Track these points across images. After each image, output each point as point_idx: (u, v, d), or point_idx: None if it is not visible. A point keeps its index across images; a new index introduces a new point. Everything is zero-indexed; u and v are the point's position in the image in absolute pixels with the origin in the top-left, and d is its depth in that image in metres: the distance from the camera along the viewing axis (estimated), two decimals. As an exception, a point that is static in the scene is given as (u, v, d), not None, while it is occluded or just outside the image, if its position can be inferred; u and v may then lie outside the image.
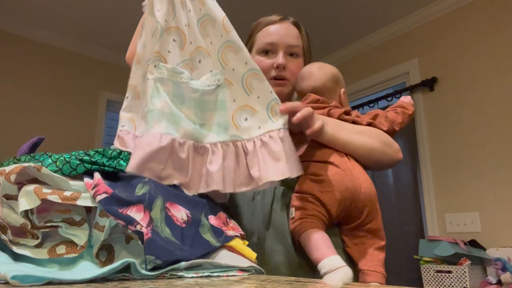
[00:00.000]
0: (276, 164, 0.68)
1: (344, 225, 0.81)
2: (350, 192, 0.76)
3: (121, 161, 0.65)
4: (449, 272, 2.05)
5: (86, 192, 0.53)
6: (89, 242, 0.52)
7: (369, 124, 0.86)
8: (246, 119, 0.73)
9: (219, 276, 0.53)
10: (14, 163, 0.59)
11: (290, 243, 0.79)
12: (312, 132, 0.74)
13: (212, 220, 0.63)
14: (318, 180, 0.77)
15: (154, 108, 0.69)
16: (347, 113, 0.87)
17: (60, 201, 0.49)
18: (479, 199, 2.30)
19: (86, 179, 0.56)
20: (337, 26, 2.93)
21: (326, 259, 0.69)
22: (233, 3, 2.67)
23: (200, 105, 0.72)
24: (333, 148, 0.81)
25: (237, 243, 0.61)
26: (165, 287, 0.39)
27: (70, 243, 0.50)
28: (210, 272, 0.53)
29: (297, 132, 0.76)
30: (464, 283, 1.99)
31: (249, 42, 1.00)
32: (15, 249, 0.47)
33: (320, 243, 0.72)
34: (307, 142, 0.83)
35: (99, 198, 0.52)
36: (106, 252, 0.52)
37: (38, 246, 0.49)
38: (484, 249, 2.15)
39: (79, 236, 0.51)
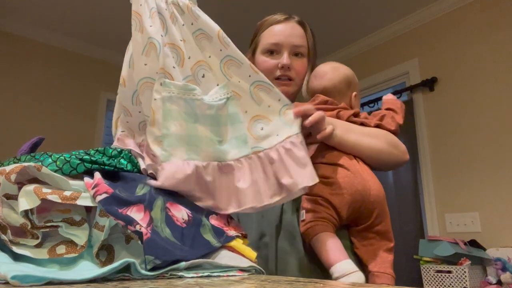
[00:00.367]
0: (304, 169, 0.67)
1: (353, 226, 0.81)
2: (360, 194, 0.76)
3: (122, 160, 0.65)
4: (449, 272, 2.05)
5: (86, 192, 0.53)
6: (89, 242, 0.52)
7: (377, 126, 0.87)
8: (262, 129, 0.72)
9: (219, 276, 0.53)
10: (15, 162, 0.59)
11: (300, 244, 0.79)
12: (323, 136, 0.75)
13: (213, 220, 0.63)
14: (328, 183, 0.78)
15: (168, 132, 0.65)
16: (355, 115, 0.88)
17: (60, 201, 0.49)
18: (479, 199, 2.30)
19: (86, 179, 0.56)
20: (337, 26, 2.93)
21: (338, 263, 0.70)
22: (233, 3, 2.67)
23: (216, 121, 0.69)
24: (342, 150, 0.82)
25: (237, 243, 0.61)
26: (165, 287, 0.39)
27: (70, 243, 0.50)
28: (210, 272, 0.53)
29: (305, 135, 0.76)
30: (464, 283, 1.99)
31: (253, 41, 0.99)
32: (15, 249, 0.47)
33: (332, 247, 0.72)
34: (315, 144, 0.84)
35: (99, 198, 0.52)
36: (106, 252, 0.52)
37: (38, 246, 0.49)
38: (484, 249, 2.15)
39: (79, 236, 0.51)
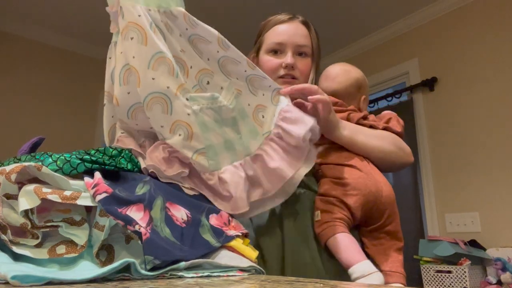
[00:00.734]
0: (304, 122, 0.75)
1: (363, 227, 0.82)
2: (373, 195, 0.78)
3: (122, 160, 0.65)
4: (449, 272, 2.05)
5: (86, 191, 0.53)
6: (89, 242, 0.52)
7: (385, 128, 0.89)
8: (263, 116, 0.77)
9: (219, 276, 0.53)
10: (15, 162, 0.59)
11: (314, 245, 0.79)
12: (318, 99, 0.78)
13: (213, 220, 0.63)
14: (342, 183, 0.79)
15: (211, 143, 0.70)
16: (365, 117, 0.90)
17: (60, 200, 0.49)
18: (479, 199, 2.30)
19: (86, 179, 0.56)
20: (337, 26, 2.93)
21: (357, 264, 0.71)
22: (234, 3, 2.67)
23: (234, 121, 0.74)
24: (352, 151, 0.83)
25: (237, 243, 0.61)
26: (165, 287, 0.39)
27: (70, 243, 0.50)
28: (210, 272, 0.53)
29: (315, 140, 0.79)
30: (464, 283, 1.99)
31: (257, 41, 1.00)
32: (15, 249, 0.47)
33: (350, 248, 0.73)
34: (325, 145, 0.85)
35: (99, 197, 0.52)
36: (106, 252, 0.52)
37: (38, 246, 0.49)
38: (484, 249, 2.15)
39: (79, 235, 0.51)
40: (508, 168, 2.20)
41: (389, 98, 2.88)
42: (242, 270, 0.56)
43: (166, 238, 0.54)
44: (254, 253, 0.61)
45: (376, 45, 3.06)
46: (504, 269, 2.02)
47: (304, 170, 0.75)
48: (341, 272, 0.74)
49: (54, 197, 0.49)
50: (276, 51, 0.94)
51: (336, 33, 3.02)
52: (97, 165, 0.60)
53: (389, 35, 2.95)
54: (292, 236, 0.80)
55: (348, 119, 0.88)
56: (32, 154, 0.60)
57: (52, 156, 0.58)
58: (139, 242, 0.50)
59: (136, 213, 0.53)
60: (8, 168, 0.50)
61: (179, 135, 0.67)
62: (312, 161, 0.76)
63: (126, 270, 0.46)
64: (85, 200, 0.52)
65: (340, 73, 0.94)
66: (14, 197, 0.49)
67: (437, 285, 2.09)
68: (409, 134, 2.70)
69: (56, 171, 0.56)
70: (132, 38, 0.67)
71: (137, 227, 0.50)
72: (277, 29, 0.96)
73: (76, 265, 0.49)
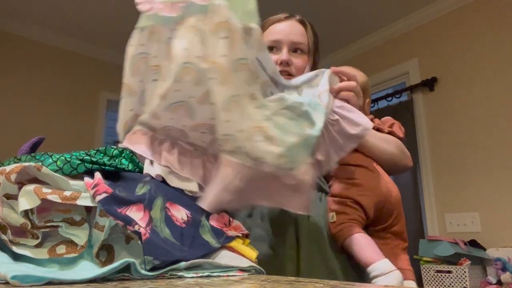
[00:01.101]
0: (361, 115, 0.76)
1: (371, 227, 0.83)
2: (384, 196, 0.80)
3: (123, 160, 0.65)
4: (449, 272, 2.05)
5: (86, 191, 0.53)
6: (89, 242, 0.52)
7: (389, 133, 0.92)
8: (271, 93, 0.75)
9: (219, 276, 0.53)
10: (15, 162, 0.59)
11: (328, 245, 0.80)
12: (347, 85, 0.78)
13: (213, 220, 0.63)
14: (355, 184, 0.80)
15: (291, 144, 0.68)
16: (371, 120, 0.92)
17: (60, 200, 0.49)
18: (479, 199, 2.30)
19: (86, 179, 0.56)
20: (337, 26, 2.93)
21: (376, 263, 0.72)
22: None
23: (307, 115, 0.74)
24: (361, 152, 0.85)
25: (237, 243, 0.61)
26: (165, 287, 0.39)
27: (70, 243, 0.50)
28: (210, 272, 0.53)
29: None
30: (464, 283, 1.99)
31: None
32: (15, 249, 0.47)
33: (369, 247, 0.75)
34: None
35: (98, 198, 0.52)
36: (106, 252, 0.52)
37: (38, 246, 0.49)
38: (484, 249, 2.15)
39: (79, 236, 0.51)
40: (508, 168, 2.20)
41: (389, 98, 2.88)
42: (242, 270, 0.56)
43: (165, 239, 0.54)
44: (254, 253, 0.61)
45: (376, 45, 3.06)
46: (504, 269, 2.02)
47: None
48: (358, 271, 0.75)
49: (54, 197, 0.49)
50: (272, 48, 0.96)
51: (336, 33, 3.02)
52: (97, 166, 0.60)
53: (389, 35, 2.95)
54: (306, 237, 0.80)
55: None
56: (32, 154, 0.60)
57: (52, 156, 0.58)
58: (139, 242, 0.50)
59: (136, 213, 0.53)
60: (8, 168, 0.50)
61: (257, 141, 0.66)
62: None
63: (126, 270, 0.46)
64: (85, 200, 0.52)
65: None
66: (14, 197, 0.49)
67: (437, 285, 2.09)
68: (409, 134, 2.69)
69: (56, 171, 0.56)
70: (226, 38, 0.66)
71: (136, 227, 0.50)
72: (274, 28, 0.98)
73: (76, 265, 0.49)
